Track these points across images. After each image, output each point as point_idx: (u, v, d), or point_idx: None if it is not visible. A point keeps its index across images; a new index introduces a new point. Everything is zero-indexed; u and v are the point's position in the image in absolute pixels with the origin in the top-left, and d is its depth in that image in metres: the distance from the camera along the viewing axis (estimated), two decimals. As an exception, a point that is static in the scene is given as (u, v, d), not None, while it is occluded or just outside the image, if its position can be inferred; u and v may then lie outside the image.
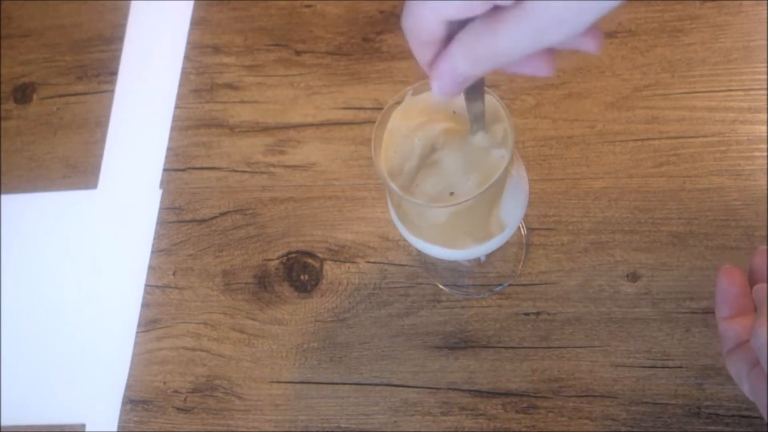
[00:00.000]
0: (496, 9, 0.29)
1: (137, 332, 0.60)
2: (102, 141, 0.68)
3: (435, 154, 0.41)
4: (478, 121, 0.39)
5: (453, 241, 0.44)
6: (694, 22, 0.61)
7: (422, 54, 0.33)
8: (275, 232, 0.61)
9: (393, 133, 0.42)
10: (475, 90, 0.37)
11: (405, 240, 0.47)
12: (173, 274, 0.62)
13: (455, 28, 0.31)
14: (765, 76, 0.58)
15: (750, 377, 0.36)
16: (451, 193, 0.40)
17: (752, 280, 0.38)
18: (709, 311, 0.53)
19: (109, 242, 0.64)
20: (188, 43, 0.70)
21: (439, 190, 0.40)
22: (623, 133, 0.59)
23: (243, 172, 0.64)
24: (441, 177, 0.40)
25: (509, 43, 0.29)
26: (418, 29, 0.31)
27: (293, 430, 0.55)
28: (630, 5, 0.63)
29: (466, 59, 0.31)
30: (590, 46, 0.31)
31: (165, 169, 0.66)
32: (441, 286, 0.57)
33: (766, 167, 0.56)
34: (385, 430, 0.54)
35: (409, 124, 0.41)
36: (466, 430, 0.53)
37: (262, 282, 0.60)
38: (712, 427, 0.50)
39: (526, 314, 0.55)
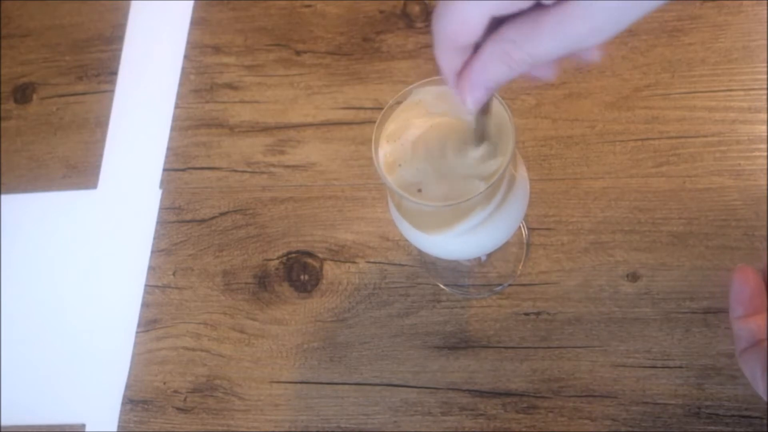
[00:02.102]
0: (537, 10, 0.29)
1: (137, 332, 0.60)
2: (102, 141, 0.68)
3: (432, 143, 0.40)
4: (484, 132, 0.38)
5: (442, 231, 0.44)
6: (694, 22, 0.61)
7: (450, 62, 0.32)
8: (275, 232, 0.61)
9: (419, 104, 0.41)
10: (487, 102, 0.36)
11: (405, 240, 0.47)
12: (173, 274, 0.62)
13: (486, 35, 0.30)
14: (765, 76, 0.58)
15: (766, 377, 0.36)
16: (419, 190, 0.39)
17: (767, 281, 0.38)
18: (709, 311, 0.53)
19: (109, 242, 0.64)
20: (188, 43, 0.70)
21: (414, 180, 0.40)
22: (623, 133, 0.59)
23: (243, 172, 0.64)
24: (420, 168, 0.40)
25: (549, 46, 0.29)
26: (455, 30, 0.30)
27: (293, 430, 0.55)
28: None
29: (503, 65, 0.31)
30: (594, 55, 0.31)
31: (165, 169, 0.66)
32: (441, 286, 0.57)
33: (766, 167, 0.56)
34: (385, 430, 0.54)
35: (438, 105, 0.41)
36: (466, 430, 0.53)
37: (262, 282, 0.60)
38: (712, 427, 0.50)
39: (526, 314, 0.55)
